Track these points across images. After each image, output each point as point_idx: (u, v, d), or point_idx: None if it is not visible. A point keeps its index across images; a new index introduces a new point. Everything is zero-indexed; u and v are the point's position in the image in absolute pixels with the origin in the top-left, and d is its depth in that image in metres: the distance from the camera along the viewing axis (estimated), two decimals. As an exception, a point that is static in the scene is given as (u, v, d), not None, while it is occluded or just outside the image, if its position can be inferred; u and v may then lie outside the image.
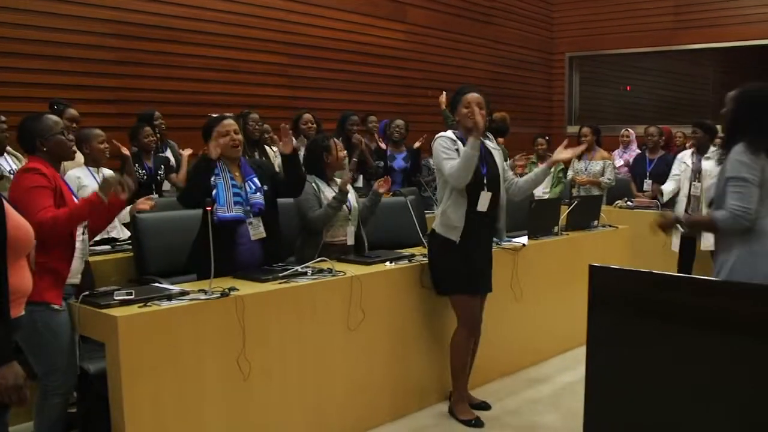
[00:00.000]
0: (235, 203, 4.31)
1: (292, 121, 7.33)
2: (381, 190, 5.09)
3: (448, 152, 4.41)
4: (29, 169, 3.61)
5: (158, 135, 6.84)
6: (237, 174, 4.41)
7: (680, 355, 2.75)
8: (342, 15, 10.11)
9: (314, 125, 7.28)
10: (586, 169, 8.26)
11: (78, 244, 3.74)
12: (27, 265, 2.92)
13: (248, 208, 4.35)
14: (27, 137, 3.72)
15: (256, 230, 4.37)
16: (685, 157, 7.06)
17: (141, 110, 7.19)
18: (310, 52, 9.67)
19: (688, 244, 6.91)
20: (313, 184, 4.89)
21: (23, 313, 2.93)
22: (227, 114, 4.58)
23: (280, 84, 9.31)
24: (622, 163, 9.28)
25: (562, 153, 4.76)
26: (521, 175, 4.83)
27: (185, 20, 8.31)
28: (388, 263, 4.63)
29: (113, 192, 3.67)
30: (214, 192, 4.25)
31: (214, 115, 4.49)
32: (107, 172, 5.41)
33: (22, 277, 2.86)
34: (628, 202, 8.05)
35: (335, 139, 5.13)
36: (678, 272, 6.74)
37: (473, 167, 4.32)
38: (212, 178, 4.30)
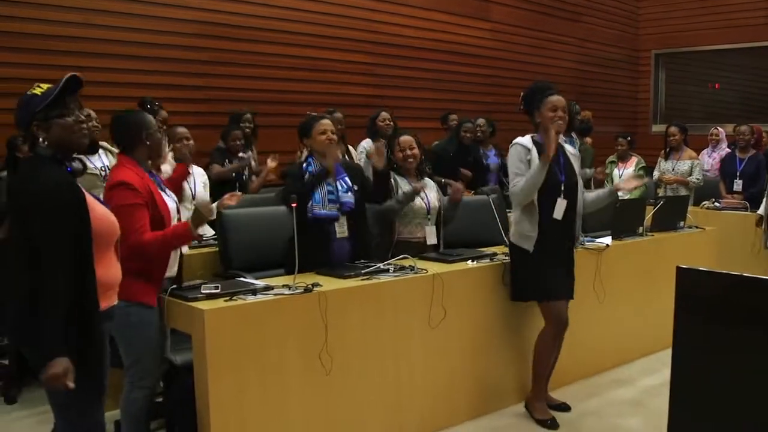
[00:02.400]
0: (329, 201, 4.42)
1: (369, 119, 7.40)
2: (457, 197, 4.97)
3: (519, 166, 4.39)
4: (118, 184, 3.53)
5: (245, 137, 6.92)
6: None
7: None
8: (427, 14, 10.14)
9: (391, 123, 7.34)
10: (673, 169, 8.09)
11: None
12: (114, 256, 3.00)
13: (338, 206, 4.44)
14: (127, 131, 3.68)
15: (341, 228, 4.46)
16: None
17: (229, 109, 7.35)
18: (396, 51, 9.73)
19: None
20: (391, 180, 4.86)
21: (116, 303, 3.04)
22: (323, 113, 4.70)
23: (366, 83, 9.39)
24: (711, 162, 9.02)
25: (628, 183, 4.86)
26: (599, 183, 4.79)
27: (272, 20, 8.46)
28: (469, 262, 4.62)
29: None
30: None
31: (313, 114, 4.60)
32: (196, 170, 5.56)
33: (109, 269, 2.94)
34: (716, 203, 7.85)
35: (400, 139, 4.94)
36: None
37: (537, 188, 4.33)
38: (305, 176, 4.44)
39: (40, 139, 2.78)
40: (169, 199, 3.82)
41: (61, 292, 2.66)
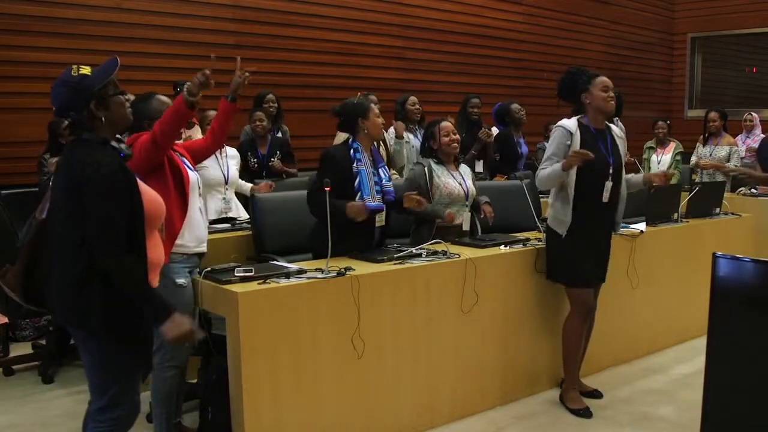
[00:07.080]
0: (376, 192, 4.35)
1: (397, 103, 7.30)
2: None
3: (554, 149, 4.35)
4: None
5: (271, 117, 6.93)
6: (370, 160, 4.42)
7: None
8: (458, -4, 10.07)
9: (420, 108, 7.24)
10: (710, 155, 8.00)
11: (197, 214, 3.81)
12: (159, 237, 3.05)
13: (382, 195, 4.38)
14: (136, 118, 3.62)
15: (380, 218, 4.41)
16: None
17: (257, 93, 7.34)
18: (426, 35, 9.69)
19: None
20: (426, 168, 4.80)
21: (159, 283, 3.07)
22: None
23: (395, 67, 9.35)
24: (744, 149, 8.88)
25: (656, 179, 4.79)
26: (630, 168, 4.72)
27: (301, 4, 8.46)
28: (502, 247, 4.60)
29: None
30: (356, 180, 4.25)
31: (361, 95, 4.53)
32: (231, 151, 5.60)
33: (155, 249, 2.98)
34: (752, 190, 7.74)
35: (441, 125, 4.87)
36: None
37: (553, 186, 4.38)
38: (354, 164, 4.29)
39: (102, 118, 2.79)
40: (192, 173, 3.83)
41: (134, 268, 2.77)
